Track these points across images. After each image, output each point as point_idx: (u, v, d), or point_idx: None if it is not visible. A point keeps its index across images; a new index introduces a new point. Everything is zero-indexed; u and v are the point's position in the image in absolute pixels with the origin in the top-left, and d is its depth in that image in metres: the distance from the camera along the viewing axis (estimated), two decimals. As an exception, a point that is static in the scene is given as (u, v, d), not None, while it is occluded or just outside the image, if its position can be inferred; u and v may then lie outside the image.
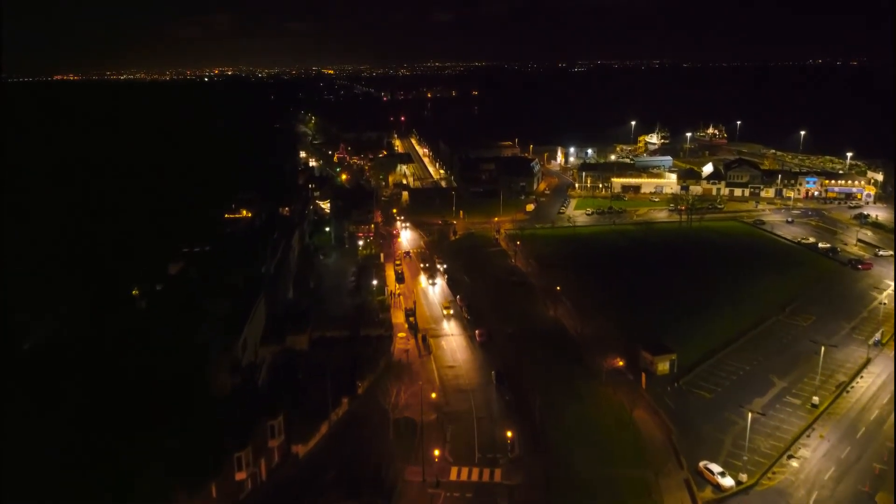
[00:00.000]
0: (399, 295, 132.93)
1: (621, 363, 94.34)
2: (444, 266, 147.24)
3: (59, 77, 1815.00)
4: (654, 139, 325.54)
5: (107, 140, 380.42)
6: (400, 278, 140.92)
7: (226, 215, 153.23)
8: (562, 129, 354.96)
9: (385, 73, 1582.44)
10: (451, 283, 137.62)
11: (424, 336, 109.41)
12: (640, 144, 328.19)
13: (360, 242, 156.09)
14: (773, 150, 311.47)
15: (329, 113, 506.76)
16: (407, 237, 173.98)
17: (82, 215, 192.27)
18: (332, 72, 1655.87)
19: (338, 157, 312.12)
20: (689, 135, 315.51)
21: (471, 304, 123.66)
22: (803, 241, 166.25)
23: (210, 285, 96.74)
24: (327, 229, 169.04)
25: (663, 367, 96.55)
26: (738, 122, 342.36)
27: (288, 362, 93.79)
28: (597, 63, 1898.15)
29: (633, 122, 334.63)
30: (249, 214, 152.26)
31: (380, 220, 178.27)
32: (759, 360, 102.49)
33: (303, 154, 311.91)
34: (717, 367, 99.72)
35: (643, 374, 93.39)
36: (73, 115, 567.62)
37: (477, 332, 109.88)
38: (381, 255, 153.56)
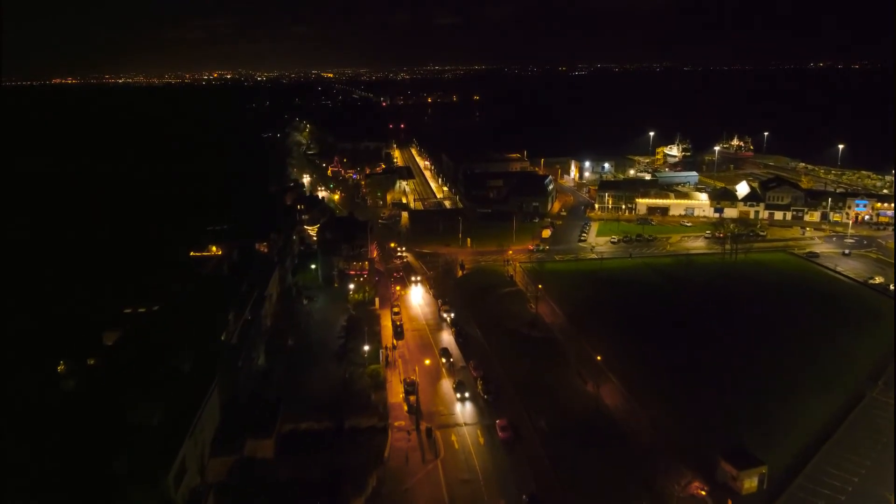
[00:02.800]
0: (396, 350, 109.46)
1: (704, 492, 69.57)
2: (452, 315, 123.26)
3: (57, 81, 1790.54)
4: (674, 151, 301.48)
5: (73, 157, 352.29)
6: (399, 333, 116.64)
7: (192, 253, 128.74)
8: (571, 137, 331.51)
9: (385, 76, 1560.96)
10: (461, 340, 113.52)
11: (430, 429, 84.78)
12: (659, 156, 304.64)
13: (352, 286, 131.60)
14: (803, 164, 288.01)
15: (326, 120, 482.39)
16: (418, 299, 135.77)
17: (24, 250, 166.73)
18: (331, 75, 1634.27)
19: (332, 171, 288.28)
20: (717, 148, 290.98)
21: (486, 374, 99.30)
22: (870, 280, 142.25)
23: (144, 377, 72.04)
24: (314, 266, 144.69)
25: (751, 483, 72.26)
26: (766, 134, 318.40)
27: (245, 484, 69.19)
28: (597, 67, 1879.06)
29: (652, 133, 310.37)
30: (220, 252, 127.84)
31: (375, 254, 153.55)
32: (867, 465, 78.77)
33: (295, 169, 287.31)
34: (817, 481, 75.45)
35: (729, 502, 68.88)
36: (44, 128, 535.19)
37: (498, 423, 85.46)
38: (377, 300, 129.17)
